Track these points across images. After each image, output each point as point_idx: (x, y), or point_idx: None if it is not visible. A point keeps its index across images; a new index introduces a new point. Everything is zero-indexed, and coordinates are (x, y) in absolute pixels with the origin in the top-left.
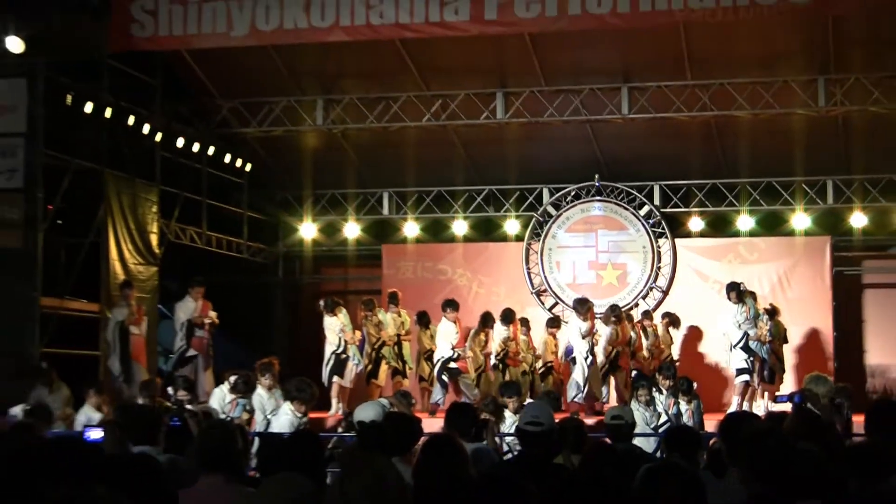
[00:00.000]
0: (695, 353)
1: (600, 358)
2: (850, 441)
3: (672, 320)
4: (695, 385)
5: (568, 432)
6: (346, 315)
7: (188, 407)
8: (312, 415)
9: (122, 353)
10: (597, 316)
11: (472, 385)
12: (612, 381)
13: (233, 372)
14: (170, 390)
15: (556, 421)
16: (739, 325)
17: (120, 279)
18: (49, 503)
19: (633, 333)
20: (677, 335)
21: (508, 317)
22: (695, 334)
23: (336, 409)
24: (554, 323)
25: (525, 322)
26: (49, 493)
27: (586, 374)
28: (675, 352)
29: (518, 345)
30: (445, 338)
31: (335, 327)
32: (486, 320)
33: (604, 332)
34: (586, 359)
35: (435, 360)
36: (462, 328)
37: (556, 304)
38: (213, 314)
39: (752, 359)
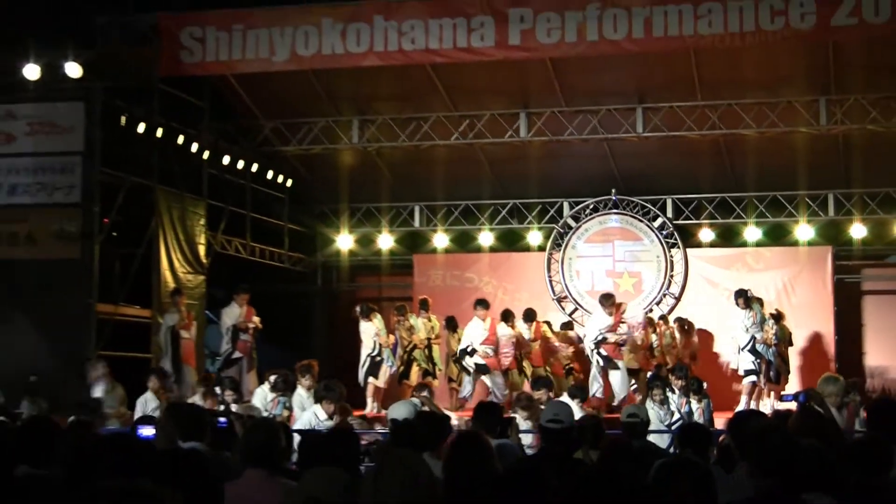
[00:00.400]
0: (705, 355)
1: (627, 356)
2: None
3: (684, 325)
4: (705, 385)
5: (587, 430)
6: (381, 320)
7: (234, 409)
8: (357, 412)
9: (173, 355)
10: (625, 320)
11: (503, 385)
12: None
13: (273, 372)
14: (217, 390)
15: (576, 419)
16: (747, 329)
17: (170, 287)
18: (99, 495)
19: (654, 336)
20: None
21: (530, 315)
22: (705, 338)
23: (371, 407)
24: (567, 326)
25: (548, 324)
26: (102, 487)
27: (601, 366)
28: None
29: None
30: (470, 333)
31: (370, 332)
32: (507, 317)
33: (631, 334)
34: (593, 351)
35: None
36: (493, 326)
37: (576, 309)
38: (256, 319)
39: (758, 360)
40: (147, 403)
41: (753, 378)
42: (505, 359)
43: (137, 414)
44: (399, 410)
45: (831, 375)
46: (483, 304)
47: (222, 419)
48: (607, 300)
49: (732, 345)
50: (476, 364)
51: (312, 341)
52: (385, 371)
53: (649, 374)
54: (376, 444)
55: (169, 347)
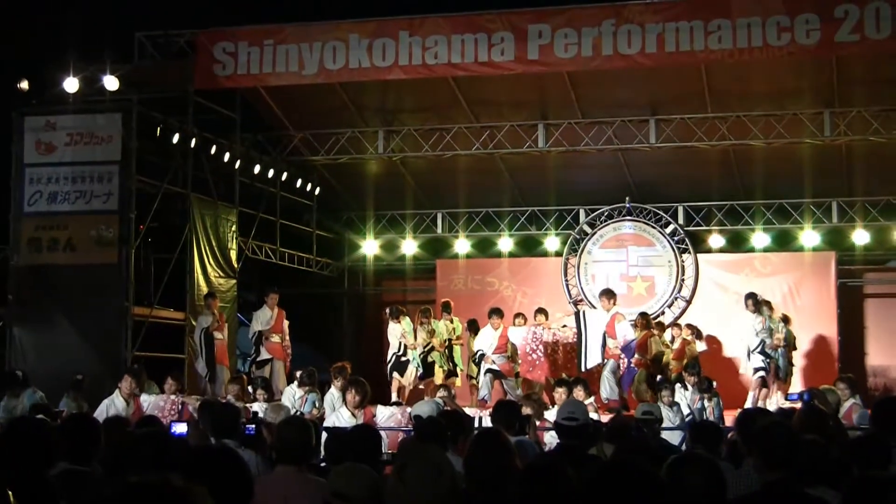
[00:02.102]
0: (714, 356)
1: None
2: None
3: (695, 332)
4: (714, 384)
5: (618, 429)
6: (409, 323)
7: (262, 412)
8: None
9: (207, 356)
10: (628, 319)
11: (515, 387)
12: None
13: (301, 369)
14: (250, 388)
15: (606, 420)
16: (757, 334)
17: (203, 291)
18: (127, 489)
19: (661, 343)
20: (700, 344)
21: (544, 314)
22: (714, 340)
23: (395, 401)
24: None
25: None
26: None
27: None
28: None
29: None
30: (481, 340)
31: (397, 332)
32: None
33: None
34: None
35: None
36: (504, 335)
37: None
38: (286, 325)
39: (768, 360)
40: (111, 407)
41: (762, 374)
42: (535, 367)
43: (100, 417)
44: (423, 408)
45: (829, 387)
46: (497, 312)
47: (250, 426)
48: (607, 294)
49: (741, 346)
50: (489, 369)
51: (340, 343)
52: (411, 371)
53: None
54: (401, 441)
55: (203, 348)
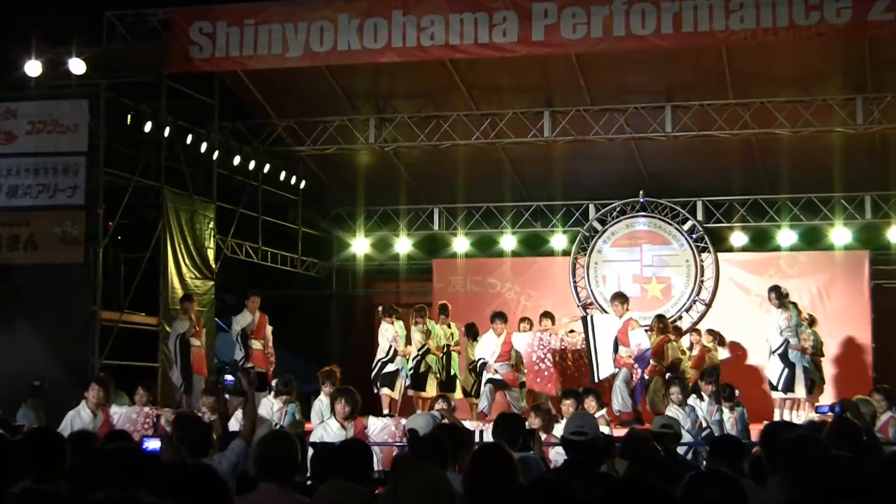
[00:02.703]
0: (737, 364)
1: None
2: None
3: (717, 337)
4: (737, 392)
5: (634, 444)
6: (403, 327)
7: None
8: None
9: (182, 364)
10: (643, 326)
11: (520, 398)
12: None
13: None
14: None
15: (622, 435)
16: (781, 332)
17: (178, 293)
18: None
19: (678, 349)
20: (722, 351)
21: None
22: (737, 346)
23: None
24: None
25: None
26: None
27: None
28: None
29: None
30: (482, 347)
31: (388, 334)
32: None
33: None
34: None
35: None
36: (508, 341)
37: None
38: (269, 331)
39: (785, 368)
40: (76, 419)
41: (782, 394)
42: (544, 378)
43: (64, 431)
44: (418, 422)
45: (863, 398)
46: (500, 317)
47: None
48: (620, 298)
49: (765, 348)
50: (490, 379)
51: (327, 349)
52: (400, 384)
53: (667, 375)
54: (396, 457)
55: (178, 356)
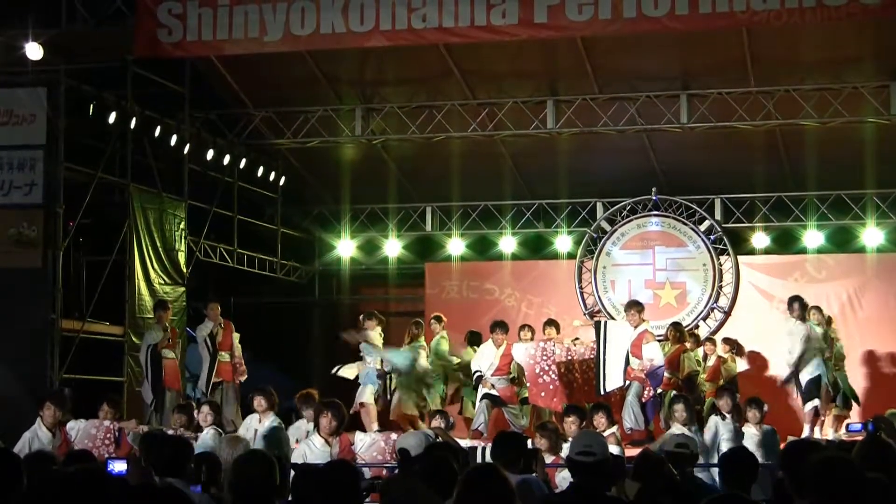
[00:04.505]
0: (757, 377)
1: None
2: None
3: (734, 347)
4: (766, 407)
5: (646, 465)
6: (381, 334)
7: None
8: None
9: (153, 379)
10: (658, 338)
11: (520, 415)
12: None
13: (256, 392)
14: (196, 414)
15: (636, 455)
16: (800, 343)
17: (145, 300)
18: None
19: (694, 360)
20: (741, 362)
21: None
22: (757, 357)
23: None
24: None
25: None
26: None
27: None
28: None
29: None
30: (479, 359)
31: (376, 341)
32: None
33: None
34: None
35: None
36: (508, 353)
37: None
38: (236, 337)
39: (809, 379)
40: (34, 440)
41: (816, 403)
42: (548, 392)
43: (22, 452)
44: (409, 441)
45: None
46: (501, 327)
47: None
48: (636, 307)
49: (790, 359)
50: (486, 394)
51: (310, 360)
52: (370, 393)
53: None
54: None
55: (150, 370)
